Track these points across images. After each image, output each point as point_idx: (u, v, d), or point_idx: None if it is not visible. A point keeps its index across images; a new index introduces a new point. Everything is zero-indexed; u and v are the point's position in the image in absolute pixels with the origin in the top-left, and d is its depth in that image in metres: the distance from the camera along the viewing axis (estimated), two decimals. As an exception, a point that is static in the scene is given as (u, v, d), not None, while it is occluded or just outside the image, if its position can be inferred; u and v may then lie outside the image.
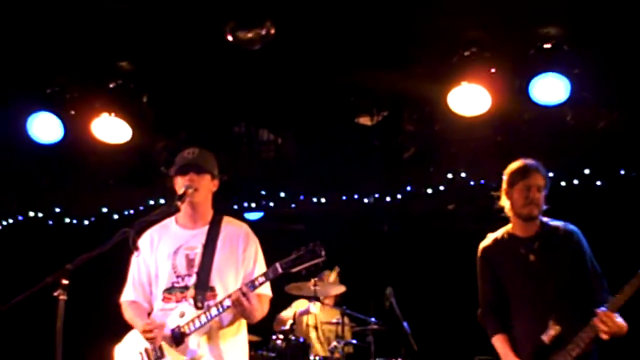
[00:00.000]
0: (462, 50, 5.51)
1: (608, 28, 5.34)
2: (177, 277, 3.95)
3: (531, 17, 5.33)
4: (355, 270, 7.25)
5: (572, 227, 4.19)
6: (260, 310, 3.90)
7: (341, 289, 6.95)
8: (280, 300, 6.48)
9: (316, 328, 7.15)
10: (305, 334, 6.97)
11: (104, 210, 7.57)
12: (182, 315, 3.79)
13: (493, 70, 5.51)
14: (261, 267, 3.98)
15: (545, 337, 3.99)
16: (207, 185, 3.94)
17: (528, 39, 5.48)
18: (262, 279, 3.78)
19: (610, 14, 5.16)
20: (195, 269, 3.93)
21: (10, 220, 7.81)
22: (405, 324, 6.43)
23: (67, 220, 7.77)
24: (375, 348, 6.58)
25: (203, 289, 3.86)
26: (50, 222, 7.81)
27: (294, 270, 3.81)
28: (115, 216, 7.53)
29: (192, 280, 3.87)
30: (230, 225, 4.10)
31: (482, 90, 5.60)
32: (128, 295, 4.05)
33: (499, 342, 4.13)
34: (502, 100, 5.69)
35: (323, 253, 3.77)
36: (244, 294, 3.63)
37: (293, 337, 6.40)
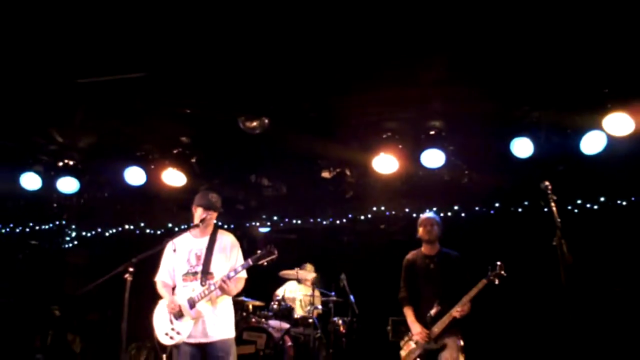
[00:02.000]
0: (383, 133, 6.56)
1: (469, 126, 6.41)
2: (190, 266, 4.71)
3: (423, 117, 6.41)
4: (324, 264, 8.43)
5: (456, 253, 5.45)
6: (235, 289, 4.67)
7: (313, 275, 8.23)
8: (277, 282, 8.20)
9: (299, 299, 8.25)
10: (292, 302, 8.08)
11: (169, 225, 8.80)
12: (193, 290, 4.60)
13: (400, 146, 6.54)
14: (240, 260, 4.75)
15: (432, 312, 5.17)
16: (214, 216, 4.89)
17: (422, 128, 6.45)
18: (240, 268, 4.62)
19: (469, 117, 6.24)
20: (201, 262, 4.68)
21: (113, 230, 9.22)
22: (351, 297, 7.62)
23: (147, 231, 9.03)
24: (334, 311, 7.82)
25: (206, 273, 4.62)
26: (137, 232, 9.04)
27: (259, 262, 4.58)
28: (176, 229, 8.61)
29: (199, 268, 4.66)
30: (223, 236, 4.88)
31: (393, 159, 6.58)
32: (161, 276, 4.85)
33: (408, 311, 5.37)
34: (405, 164, 6.69)
35: (276, 252, 4.58)
36: (224, 282, 4.49)
37: (283, 304, 7.77)
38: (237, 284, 4.70)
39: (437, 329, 5.11)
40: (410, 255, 5.58)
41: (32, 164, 7.10)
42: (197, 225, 4.76)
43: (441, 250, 5.47)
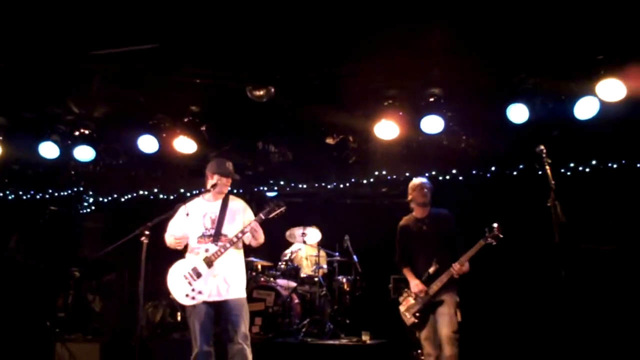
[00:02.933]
0: (384, 101, 6.59)
1: (467, 93, 6.46)
2: (205, 229, 4.83)
3: (423, 83, 6.42)
4: (328, 225, 8.50)
5: (445, 211, 5.51)
6: (262, 235, 4.81)
7: (318, 236, 8.35)
8: (284, 244, 8.42)
9: (306, 258, 8.52)
10: (299, 262, 8.38)
11: (182, 190, 8.95)
12: (207, 250, 4.73)
13: (400, 113, 6.58)
14: (252, 217, 4.87)
15: (430, 270, 5.26)
16: (229, 183, 5.01)
17: (422, 95, 6.49)
18: (253, 223, 4.70)
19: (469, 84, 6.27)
20: (215, 224, 4.82)
21: (128, 196, 9.40)
22: (355, 256, 7.87)
23: (161, 196, 9.20)
24: (338, 270, 8.02)
25: (219, 235, 4.77)
26: (151, 197, 9.24)
27: (270, 216, 4.68)
28: (188, 194, 8.72)
29: (213, 231, 4.80)
30: (234, 200, 5.01)
31: (394, 125, 6.65)
32: (171, 231, 4.98)
33: (407, 270, 5.49)
34: (406, 130, 6.75)
35: (283, 205, 4.69)
36: (256, 224, 4.68)
37: (290, 264, 8.08)
38: (260, 233, 4.80)
39: (435, 286, 5.19)
40: (403, 221, 5.64)
41: (50, 133, 7.17)
42: (208, 191, 4.87)
43: (431, 211, 5.52)
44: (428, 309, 5.21)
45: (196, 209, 4.90)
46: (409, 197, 5.59)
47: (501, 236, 5.02)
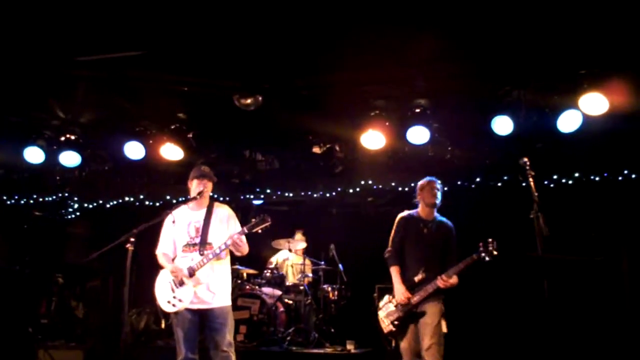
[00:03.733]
0: (371, 111, 6.61)
1: (453, 104, 6.50)
2: (190, 238, 4.77)
3: (409, 95, 6.44)
4: (314, 234, 8.57)
5: (451, 224, 5.19)
6: (246, 247, 4.78)
7: (304, 244, 8.36)
8: (270, 251, 8.36)
9: (291, 266, 8.46)
10: (284, 270, 8.30)
11: (168, 197, 8.85)
12: (192, 260, 4.68)
13: (387, 123, 6.60)
14: (238, 228, 4.80)
15: (416, 278, 5.04)
16: (210, 187, 4.92)
17: (408, 106, 6.48)
18: (236, 235, 4.64)
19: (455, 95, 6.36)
20: (200, 233, 4.74)
21: (114, 202, 9.16)
22: (340, 265, 7.87)
23: (146, 203, 9.06)
24: (324, 278, 8.01)
25: (204, 244, 4.71)
26: (137, 204, 9.09)
27: (254, 230, 4.61)
28: (174, 201, 8.61)
29: (198, 240, 4.73)
30: (219, 208, 4.93)
31: (380, 135, 6.66)
32: (162, 248, 4.88)
33: (395, 271, 5.11)
34: (392, 140, 6.77)
35: (269, 220, 4.60)
36: (238, 238, 4.62)
37: (275, 272, 7.96)
38: (245, 244, 4.79)
39: (418, 296, 4.97)
40: (406, 214, 5.29)
41: (35, 138, 7.10)
42: (195, 198, 4.82)
43: (437, 217, 5.23)
44: (408, 318, 4.99)
45: (181, 217, 4.86)
46: (417, 197, 5.29)
47: (495, 253, 4.75)
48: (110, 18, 5.09)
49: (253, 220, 4.65)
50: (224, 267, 4.84)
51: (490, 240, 4.84)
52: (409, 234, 5.19)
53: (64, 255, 9.10)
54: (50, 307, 8.18)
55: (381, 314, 5.21)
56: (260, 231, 4.64)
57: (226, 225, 4.82)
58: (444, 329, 4.92)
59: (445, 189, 7.37)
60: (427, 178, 5.32)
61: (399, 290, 5.04)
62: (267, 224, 4.60)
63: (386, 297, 5.25)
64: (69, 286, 8.43)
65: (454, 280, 4.86)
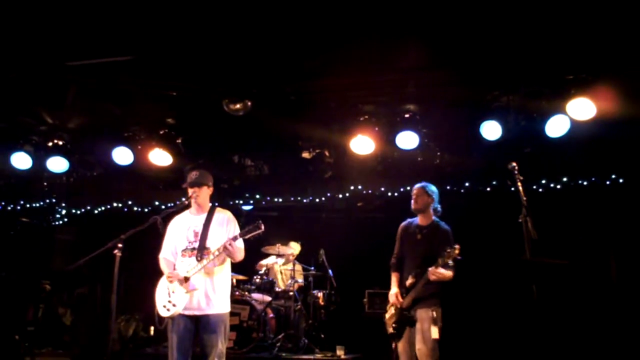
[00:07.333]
0: (360, 116, 6.69)
1: (442, 109, 6.57)
2: (189, 242, 4.72)
3: (398, 100, 6.52)
4: (304, 240, 8.48)
5: (446, 227, 5.12)
6: (239, 253, 4.65)
7: (294, 249, 8.26)
8: (260, 257, 8.27)
9: (281, 272, 8.41)
10: (274, 276, 8.25)
11: (156, 203, 8.79)
12: (189, 265, 4.62)
13: (376, 128, 6.66)
14: (236, 231, 4.72)
15: (407, 282, 5.11)
16: (205, 191, 4.79)
17: (397, 111, 6.58)
18: (229, 241, 4.53)
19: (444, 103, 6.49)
20: (199, 238, 4.69)
21: (102, 208, 9.20)
22: (330, 271, 7.88)
23: (135, 208, 9.02)
24: (313, 284, 7.99)
25: (202, 249, 4.65)
26: (125, 209, 9.06)
27: (247, 237, 4.57)
28: (162, 207, 8.50)
29: (196, 244, 4.68)
30: (219, 213, 4.87)
31: (370, 140, 6.72)
32: (164, 253, 4.83)
33: (394, 277, 5.26)
34: (381, 145, 6.83)
35: (262, 227, 4.54)
36: (229, 244, 4.52)
37: (265, 277, 7.93)
38: (240, 250, 4.69)
39: (409, 297, 5.02)
40: (405, 223, 5.39)
41: (22, 144, 7.08)
42: (185, 204, 4.83)
43: (433, 222, 5.21)
44: (403, 321, 5.06)
45: (181, 222, 4.85)
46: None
47: (459, 258, 4.71)
48: (99, 23, 5.09)
49: (247, 227, 4.62)
50: (222, 273, 4.78)
51: (456, 245, 4.76)
52: (406, 241, 5.31)
53: (51, 261, 9.01)
54: (37, 314, 8.08)
55: (386, 316, 5.33)
56: (252, 238, 4.63)
57: (225, 230, 4.77)
58: (435, 335, 4.86)
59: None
60: (416, 185, 5.36)
61: (391, 292, 5.21)
62: (260, 231, 4.57)
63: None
64: (57, 293, 8.38)
65: (442, 270, 4.78)
